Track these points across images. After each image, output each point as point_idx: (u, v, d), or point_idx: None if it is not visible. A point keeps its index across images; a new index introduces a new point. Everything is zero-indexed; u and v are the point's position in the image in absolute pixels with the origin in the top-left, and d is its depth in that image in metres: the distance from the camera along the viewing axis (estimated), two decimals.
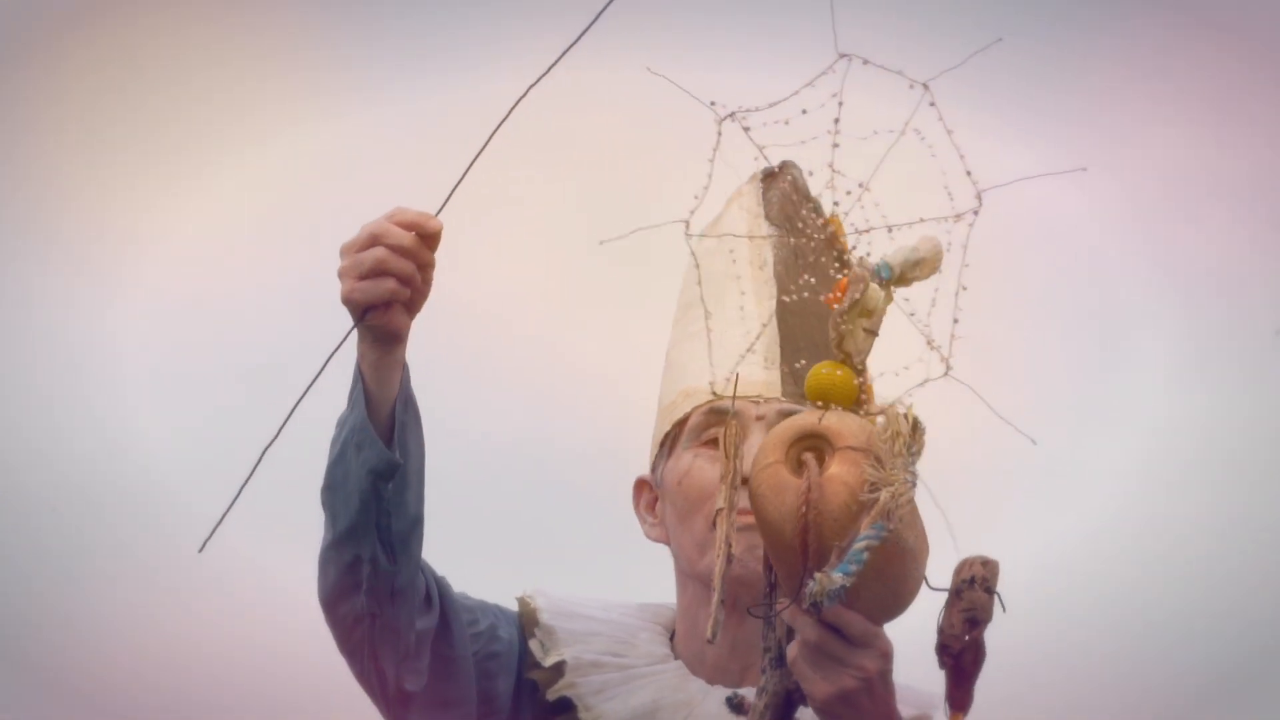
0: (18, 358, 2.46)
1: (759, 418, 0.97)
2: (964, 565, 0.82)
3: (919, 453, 0.79)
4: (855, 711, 0.81)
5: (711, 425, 0.99)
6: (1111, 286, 2.49)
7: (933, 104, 0.77)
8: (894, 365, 0.84)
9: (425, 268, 0.87)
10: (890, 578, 0.79)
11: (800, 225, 0.96)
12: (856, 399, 0.82)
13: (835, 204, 0.82)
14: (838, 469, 0.77)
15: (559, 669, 1.01)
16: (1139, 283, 2.47)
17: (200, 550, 0.88)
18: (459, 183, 0.85)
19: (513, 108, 0.82)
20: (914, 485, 0.78)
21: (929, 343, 0.81)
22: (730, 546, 0.84)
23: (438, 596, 0.98)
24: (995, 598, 0.81)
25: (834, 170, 0.80)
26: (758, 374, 0.98)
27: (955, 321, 0.80)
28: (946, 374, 0.81)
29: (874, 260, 0.82)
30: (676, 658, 1.02)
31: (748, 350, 0.90)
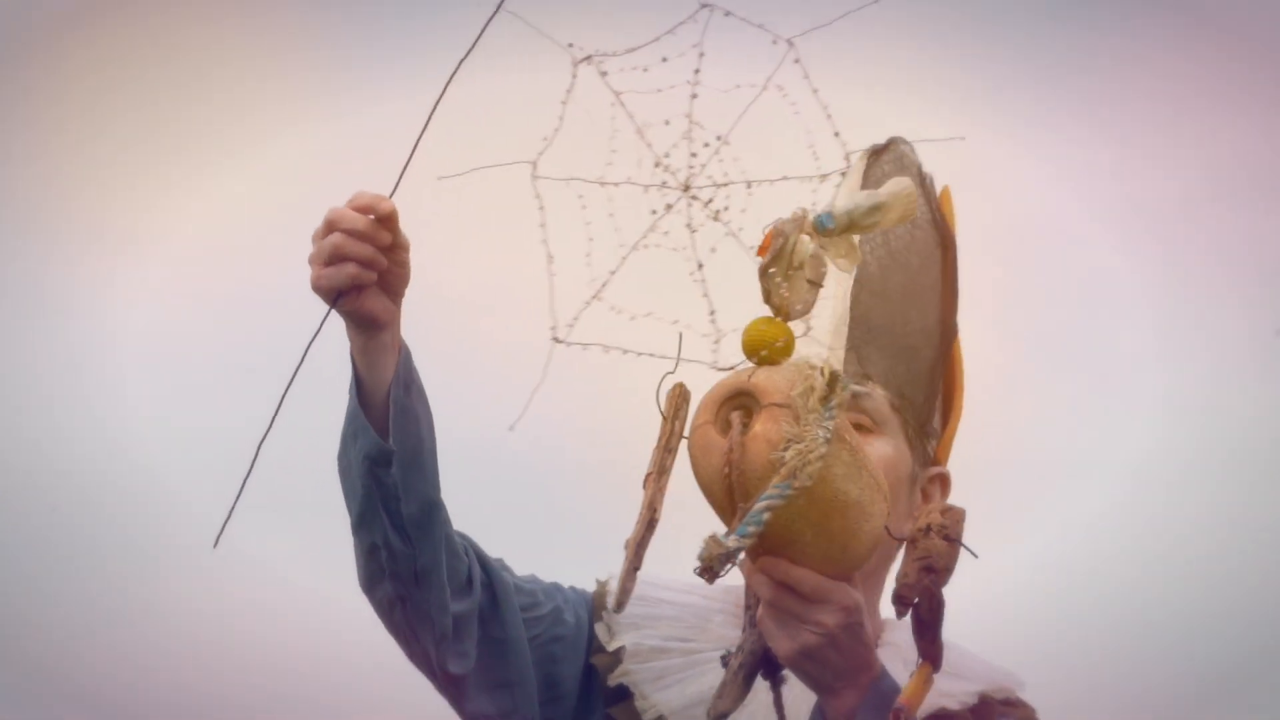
0: (19, 356, 2.45)
1: None
2: (922, 513, 0.82)
3: (839, 407, 0.77)
4: (821, 666, 0.81)
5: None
6: (1111, 286, 2.48)
7: (797, 60, 0.75)
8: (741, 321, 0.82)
9: (394, 249, 0.86)
10: (834, 532, 0.78)
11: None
12: (790, 353, 0.80)
13: (693, 155, 0.79)
14: (761, 427, 0.76)
15: (619, 654, 0.99)
16: (1139, 283, 2.46)
17: (215, 545, 0.87)
18: (406, 165, 0.83)
19: (435, 106, 0.82)
20: (827, 440, 0.75)
21: (783, 304, 0.80)
22: (654, 512, 0.80)
23: (480, 579, 0.96)
24: (958, 546, 0.79)
25: (691, 121, 0.78)
26: (821, 354, 0.95)
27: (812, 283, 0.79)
28: (807, 333, 0.81)
29: (817, 210, 0.79)
30: None
31: (592, 298, 0.84)
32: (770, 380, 0.78)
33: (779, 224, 0.78)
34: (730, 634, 0.98)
